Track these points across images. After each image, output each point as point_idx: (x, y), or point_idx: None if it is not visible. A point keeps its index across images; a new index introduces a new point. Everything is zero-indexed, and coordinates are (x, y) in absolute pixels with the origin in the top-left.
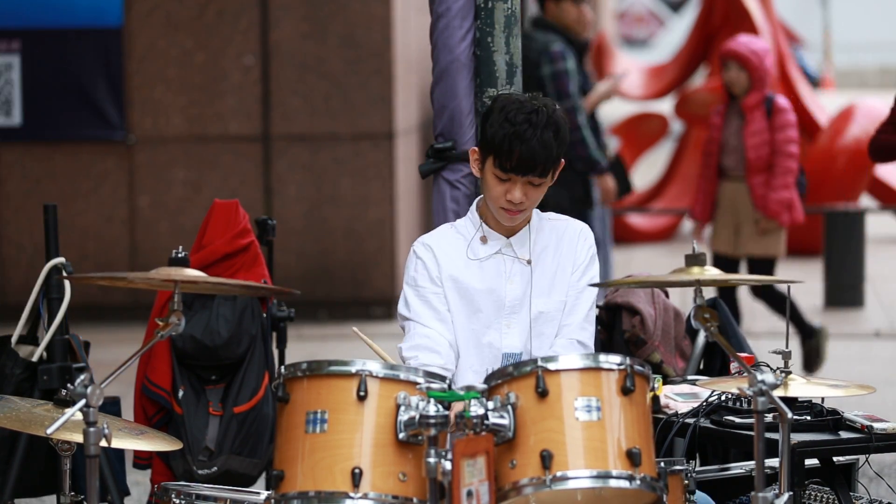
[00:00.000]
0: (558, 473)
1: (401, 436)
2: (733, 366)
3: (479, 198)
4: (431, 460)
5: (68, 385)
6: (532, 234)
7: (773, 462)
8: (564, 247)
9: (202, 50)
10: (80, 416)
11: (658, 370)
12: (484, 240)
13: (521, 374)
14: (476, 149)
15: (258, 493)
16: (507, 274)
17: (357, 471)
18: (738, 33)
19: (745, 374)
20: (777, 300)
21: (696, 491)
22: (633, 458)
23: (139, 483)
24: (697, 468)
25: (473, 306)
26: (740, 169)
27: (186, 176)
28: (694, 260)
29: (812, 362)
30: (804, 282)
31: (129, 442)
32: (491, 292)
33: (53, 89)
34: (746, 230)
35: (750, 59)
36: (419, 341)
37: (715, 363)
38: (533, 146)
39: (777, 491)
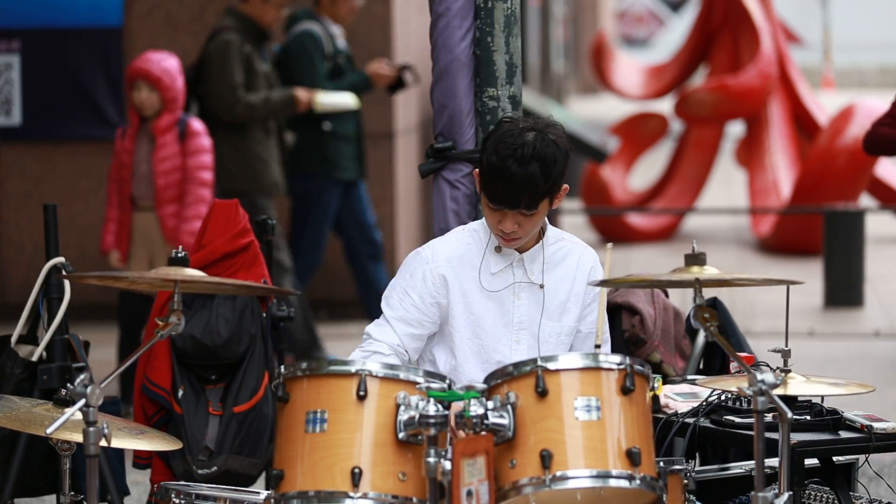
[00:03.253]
0: (558, 473)
1: (400, 435)
2: (733, 365)
3: None
4: (431, 460)
5: (68, 385)
6: (546, 252)
7: (772, 462)
8: (580, 279)
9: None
10: (79, 415)
11: (658, 370)
12: (499, 249)
13: (520, 374)
14: (477, 171)
15: (258, 492)
16: (516, 290)
17: (357, 470)
18: (739, 33)
19: (745, 374)
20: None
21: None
22: (632, 457)
23: (139, 483)
24: (697, 468)
25: (480, 322)
26: (150, 198)
27: None
28: (694, 259)
29: None
30: (804, 282)
31: (128, 442)
32: (498, 309)
33: (53, 89)
34: (160, 264)
35: (162, 78)
36: (375, 347)
37: (715, 363)
38: (515, 183)
39: (777, 491)
